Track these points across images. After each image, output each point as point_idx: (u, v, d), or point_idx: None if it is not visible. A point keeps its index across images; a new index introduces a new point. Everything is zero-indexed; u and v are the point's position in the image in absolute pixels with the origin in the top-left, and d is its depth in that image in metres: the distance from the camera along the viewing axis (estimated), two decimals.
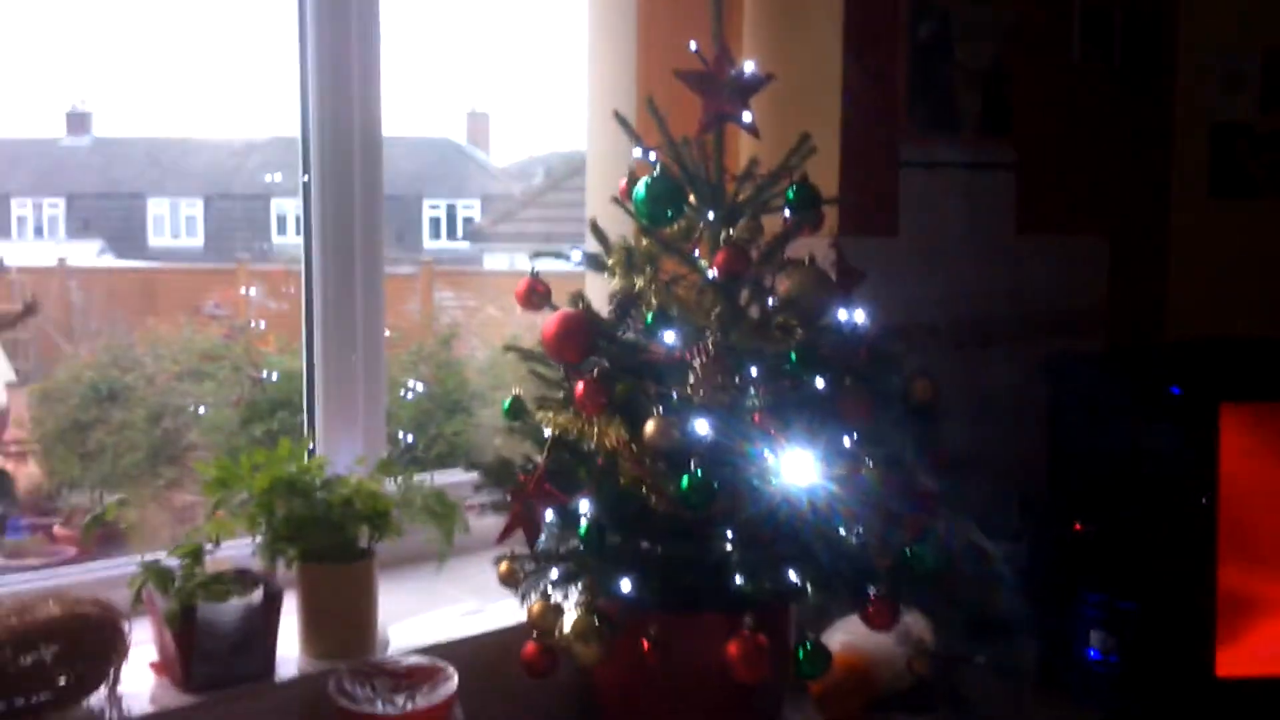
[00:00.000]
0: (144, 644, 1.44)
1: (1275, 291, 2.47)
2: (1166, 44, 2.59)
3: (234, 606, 1.40)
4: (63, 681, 1.32)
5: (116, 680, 1.37)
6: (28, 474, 3.62)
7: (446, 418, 3.80)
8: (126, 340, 4.30)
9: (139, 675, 1.42)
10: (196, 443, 3.91)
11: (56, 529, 3.74)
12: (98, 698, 1.36)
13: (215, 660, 1.40)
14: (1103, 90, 2.47)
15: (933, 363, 1.81)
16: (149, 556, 1.46)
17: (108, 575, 1.60)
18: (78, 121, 6.26)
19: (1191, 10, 2.58)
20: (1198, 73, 2.57)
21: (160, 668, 1.44)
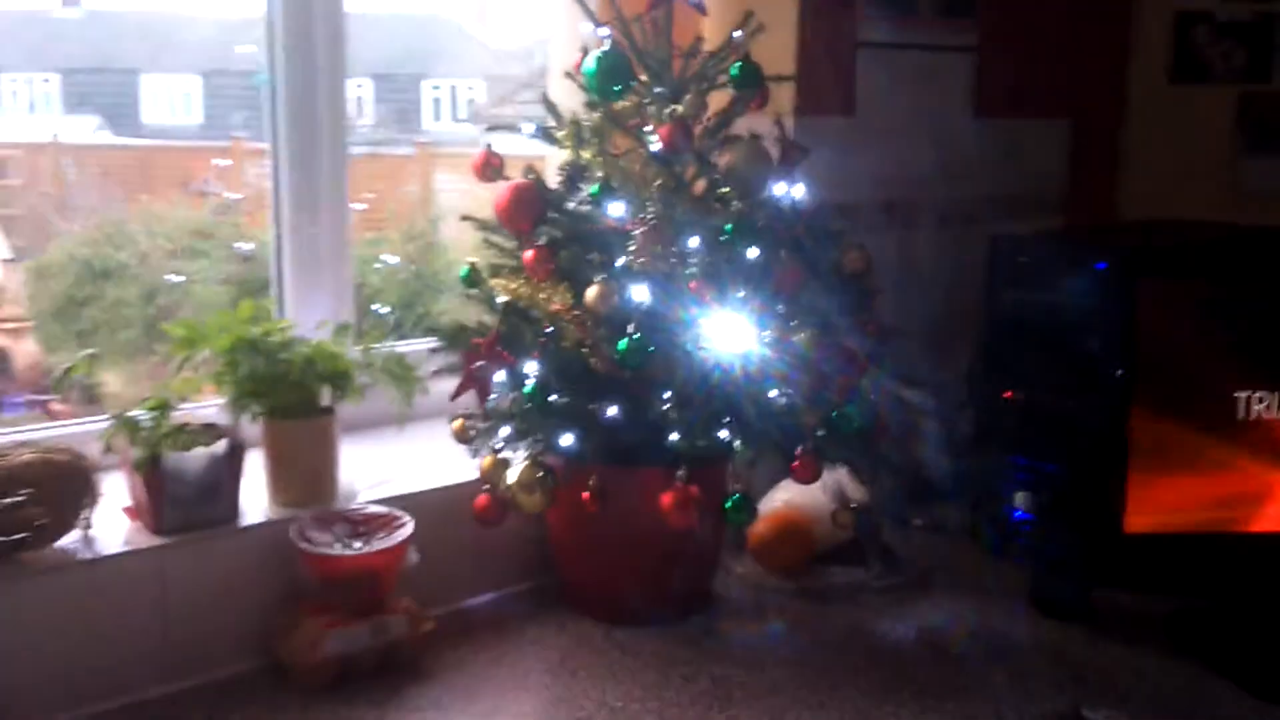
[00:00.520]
0: (120, 493, 1.55)
1: (1223, 175, 2.52)
2: None
3: (199, 455, 1.50)
4: (39, 522, 1.42)
5: (90, 523, 1.47)
6: (24, 351, 3.70)
7: (434, 296, 3.87)
8: (121, 217, 4.34)
9: (114, 520, 1.53)
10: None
11: (53, 404, 3.83)
12: (73, 538, 1.47)
13: (183, 506, 1.50)
14: None
15: (885, 241, 1.89)
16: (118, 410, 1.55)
17: (87, 430, 1.69)
18: None
19: None
20: None
21: (133, 512, 1.54)
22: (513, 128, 1.76)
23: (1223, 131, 2.55)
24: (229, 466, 1.53)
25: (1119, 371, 1.69)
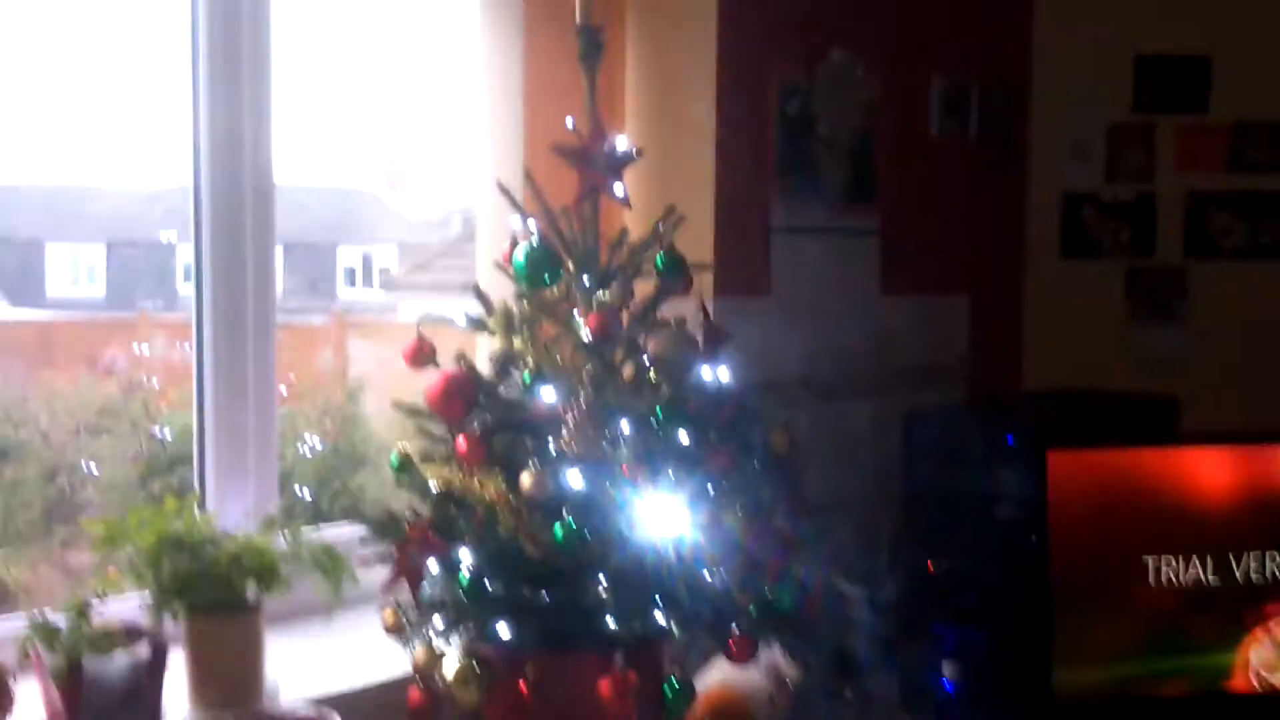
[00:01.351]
0: (33, 701, 1.47)
1: (1116, 344, 2.68)
2: (1019, 118, 2.80)
3: (120, 661, 1.44)
4: None
5: None
6: None
7: (352, 471, 3.82)
8: (21, 394, 4.23)
9: None
10: (93, 500, 3.86)
11: None
12: None
13: (103, 715, 1.44)
14: (961, 160, 2.67)
15: (802, 415, 1.96)
16: (35, 613, 1.49)
17: None
18: None
19: (1041, 88, 2.80)
20: (1048, 145, 2.79)
21: None
22: (448, 321, 1.80)
23: (1114, 303, 2.73)
24: (151, 671, 1.48)
25: (1033, 538, 1.75)
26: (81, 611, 1.47)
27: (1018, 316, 2.79)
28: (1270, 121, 2.69)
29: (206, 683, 1.57)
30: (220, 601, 1.58)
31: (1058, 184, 2.79)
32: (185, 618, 1.57)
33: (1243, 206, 2.70)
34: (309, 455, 3.62)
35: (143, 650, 1.47)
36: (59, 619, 1.48)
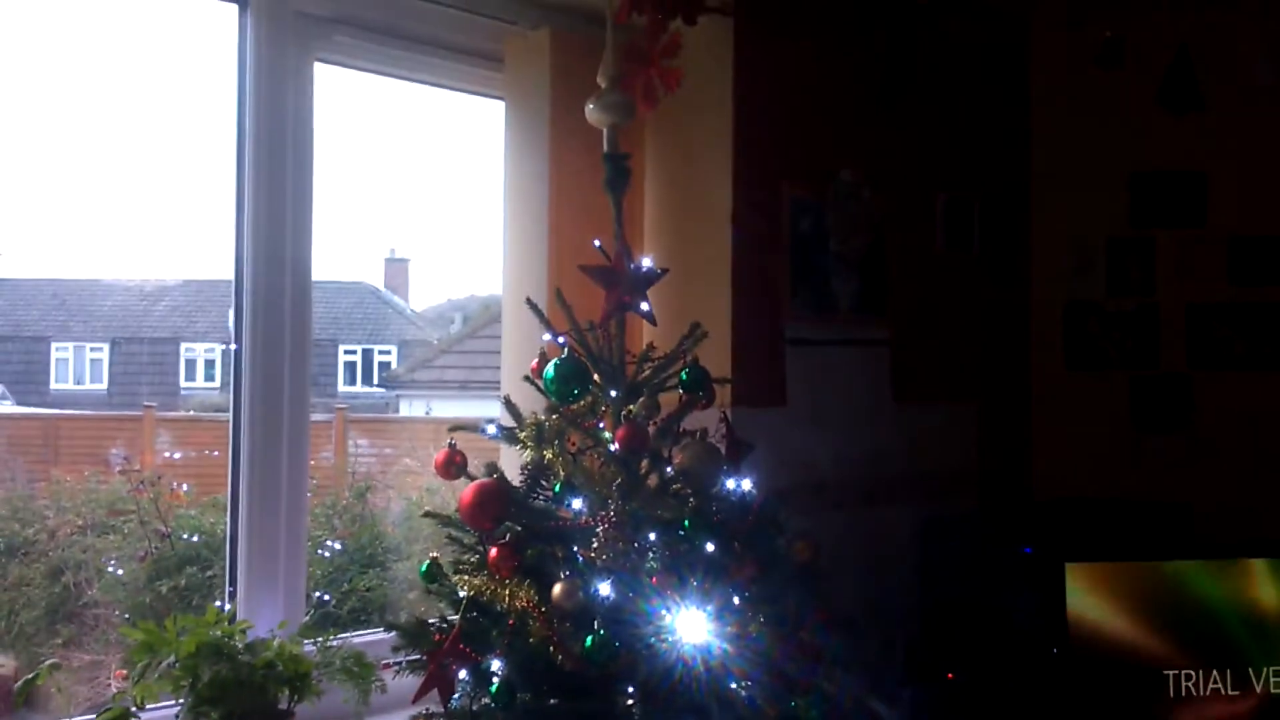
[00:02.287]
0: None
1: (1123, 453, 2.73)
2: (1021, 232, 2.90)
3: None
4: None
5: None
6: None
7: (361, 572, 3.81)
8: (27, 491, 4.25)
9: None
10: (99, 599, 3.85)
11: None
12: None
13: None
14: (966, 273, 2.76)
15: (817, 523, 1.99)
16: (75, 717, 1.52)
17: None
18: None
19: (1042, 203, 2.91)
20: (1050, 258, 2.88)
21: None
22: (476, 429, 1.85)
23: (1119, 412, 2.79)
24: None
25: (1054, 650, 1.78)
26: (122, 718, 1.50)
27: (1026, 424, 2.84)
28: (1268, 235, 2.77)
29: None
30: (254, 710, 1.60)
31: (1061, 296, 2.87)
32: None
33: (1243, 318, 2.78)
34: (325, 556, 3.64)
35: None
36: None
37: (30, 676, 1.52)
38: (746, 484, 1.78)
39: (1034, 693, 1.80)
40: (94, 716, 1.52)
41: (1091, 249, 2.87)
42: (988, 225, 2.79)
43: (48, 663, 1.54)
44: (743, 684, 1.61)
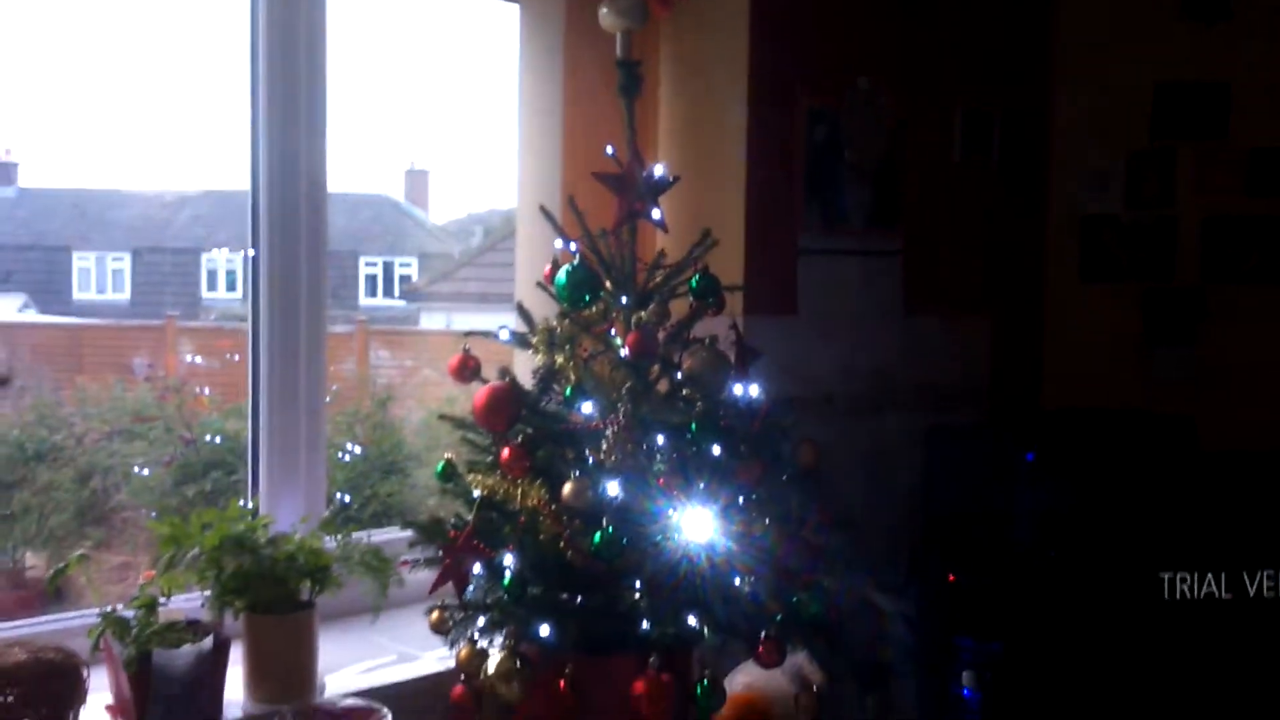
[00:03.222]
0: (101, 690, 1.57)
1: (1134, 365, 2.74)
2: (1040, 145, 2.88)
3: (186, 653, 1.54)
4: None
5: None
6: None
7: (382, 478, 3.90)
8: (54, 399, 4.34)
9: (97, 718, 1.55)
10: (125, 503, 3.95)
11: None
12: None
13: (168, 703, 1.53)
14: (983, 185, 2.74)
15: (827, 430, 2.03)
16: (106, 607, 1.59)
17: (59, 627, 1.72)
18: (3, 172, 6.27)
19: (1062, 115, 2.88)
20: (1068, 171, 2.86)
21: (116, 711, 1.56)
22: (489, 334, 1.89)
23: (1132, 324, 2.79)
24: (214, 663, 1.57)
25: (1051, 553, 1.82)
26: (149, 606, 1.57)
27: (1038, 337, 2.86)
28: None
29: (264, 676, 1.66)
30: (277, 600, 1.67)
31: (1078, 209, 2.86)
32: (244, 614, 1.66)
33: (1259, 230, 2.76)
34: (346, 460, 3.71)
35: (206, 643, 1.56)
36: (128, 613, 1.57)
37: (60, 566, 1.59)
38: (754, 390, 1.81)
39: (1032, 595, 1.84)
40: (123, 605, 1.59)
41: (1111, 161, 2.85)
42: (1007, 135, 2.77)
43: (77, 553, 1.60)
44: (746, 580, 1.66)
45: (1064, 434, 2.14)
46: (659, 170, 1.86)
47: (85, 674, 1.50)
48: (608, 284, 1.82)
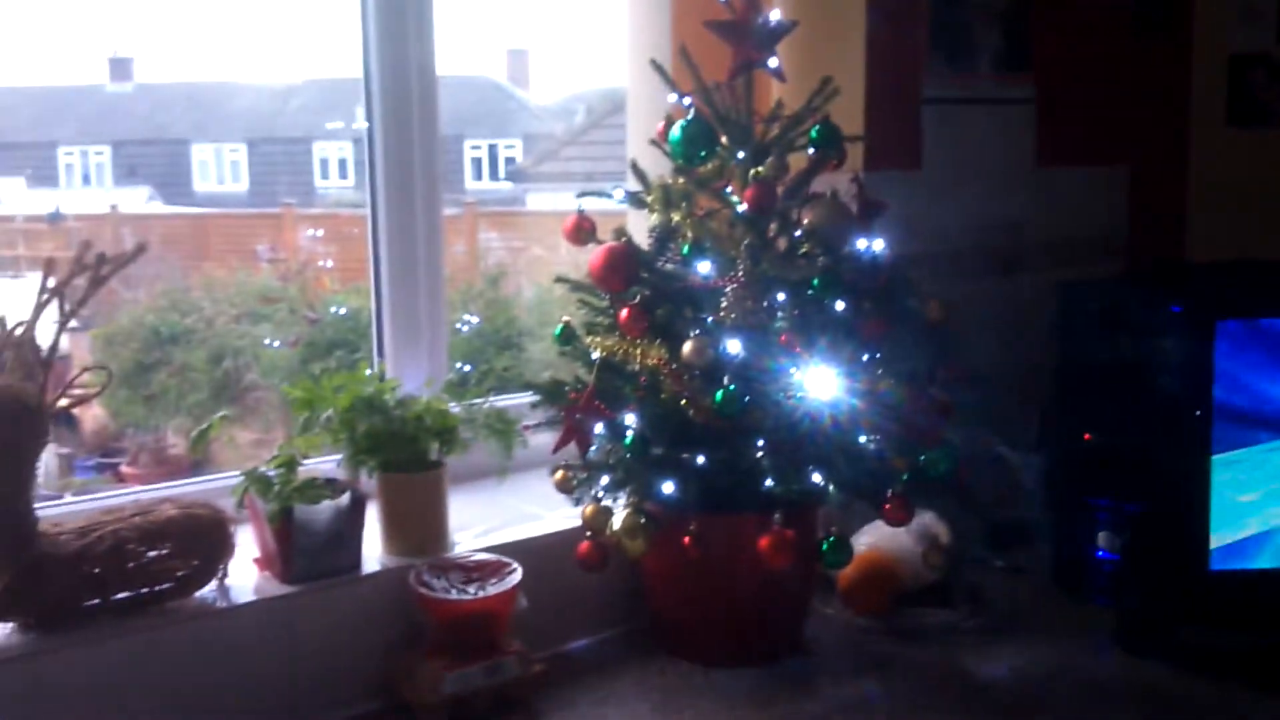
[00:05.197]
0: (247, 544, 1.64)
1: None
2: None
3: (326, 508, 1.59)
4: (181, 573, 1.52)
5: (225, 573, 1.57)
6: (93, 416, 3.84)
7: (497, 353, 3.98)
8: (183, 285, 4.51)
9: (244, 571, 1.62)
10: (256, 382, 4.12)
11: (123, 468, 3.97)
12: (210, 589, 1.56)
13: (310, 556, 1.60)
14: (1121, 25, 2.56)
15: (954, 287, 1.96)
16: (247, 467, 1.65)
17: (204, 488, 1.80)
18: (120, 68, 6.40)
19: None
20: (1214, 5, 2.64)
21: (262, 563, 1.64)
22: (603, 194, 1.86)
23: None
24: (351, 518, 1.63)
25: (1198, 412, 1.74)
26: (289, 464, 1.62)
27: (1181, 187, 2.69)
28: None
29: (398, 531, 1.71)
30: (408, 459, 1.71)
31: (1225, 47, 2.65)
32: (378, 472, 1.71)
33: None
34: (464, 331, 3.78)
35: (344, 499, 1.61)
36: (269, 472, 1.63)
37: (204, 426, 1.65)
38: (879, 243, 1.75)
39: (1174, 454, 1.77)
40: (263, 464, 1.65)
41: None
42: None
43: (219, 414, 1.66)
44: (872, 437, 1.63)
45: (1209, 287, 2.02)
46: (775, 16, 1.78)
47: (232, 528, 1.57)
48: (723, 139, 1.77)
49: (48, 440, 1.40)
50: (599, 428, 1.73)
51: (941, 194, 2.25)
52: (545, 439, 1.80)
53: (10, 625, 1.43)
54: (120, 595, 1.48)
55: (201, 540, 1.53)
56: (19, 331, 1.43)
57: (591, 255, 1.74)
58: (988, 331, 2.19)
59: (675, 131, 1.72)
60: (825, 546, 1.65)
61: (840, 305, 1.66)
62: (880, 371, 1.64)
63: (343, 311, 3.85)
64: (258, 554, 1.65)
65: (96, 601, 1.47)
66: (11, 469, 1.40)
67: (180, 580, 1.52)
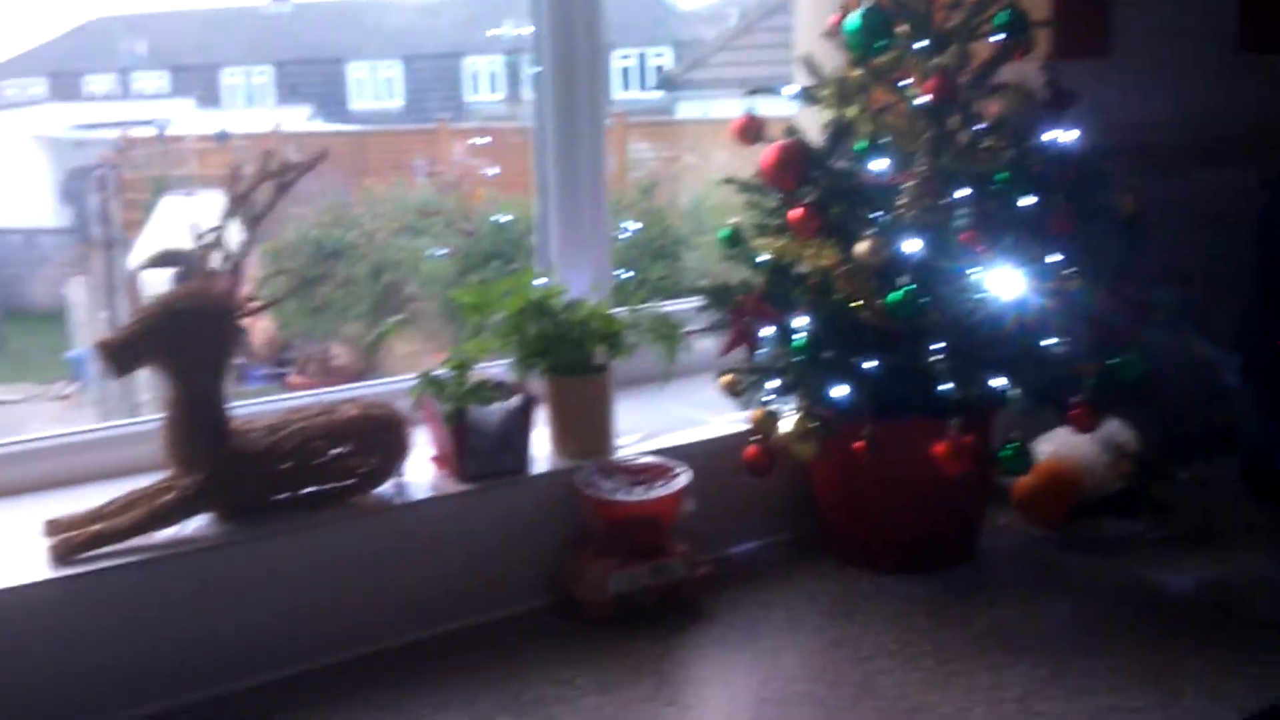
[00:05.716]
0: (421, 444, 1.68)
1: None
2: None
3: (497, 409, 1.62)
4: (362, 470, 1.57)
5: (403, 471, 1.62)
6: (262, 328, 4.02)
7: (651, 262, 3.97)
8: (345, 200, 4.65)
9: (422, 469, 1.67)
10: (415, 294, 4.24)
11: (291, 378, 4.16)
12: (389, 485, 1.61)
13: (483, 456, 1.63)
14: None
15: (1149, 181, 1.83)
16: (423, 370, 1.68)
17: (380, 390, 1.84)
18: None
19: None
20: None
21: (440, 462, 1.68)
22: (772, 90, 1.79)
23: None
24: (521, 420, 1.65)
25: None
26: (462, 366, 1.65)
27: None
28: None
29: (566, 433, 1.73)
30: (575, 362, 1.72)
31: None
32: (547, 375, 1.72)
33: None
34: (624, 237, 3.78)
35: (514, 401, 1.63)
36: (444, 374, 1.66)
37: (381, 330, 1.69)
38: (1069, 136, 1.64)
39: None
40: (437, 366, 1.68)
41: None
42: None
43: (395, 318, 1.69)
44: (1059, 340, 1.55)
45: None
46: None
47: (410, 428, 1.61)
48: (902, 27, 1.68)
49: (243, 342, 1.46)
50: (767, 331, 1.69)
51: (1136, 82, 2.09)
52: (709, 346, 1.78)
53: (209, 516, 1.51)
54: (307, 490, 1.54)
55: (381, 439, 1.57)
56: (210, 237, 1.48)
57: (762, 154, 1.69)
58: (1186, 227, 2.04)
59: (852, 20, 1.64)
60: (1005, 453, 1.59)
61: (1027, 201, 1.57)
62: (1070, 270, 1.55)
63: (504, 219, 3.90)
64: (434, 453, 1.69)
65: (286, 496, 1.53)
66: (212, 369, 1.46)
67: (361, 477, 1.57)
